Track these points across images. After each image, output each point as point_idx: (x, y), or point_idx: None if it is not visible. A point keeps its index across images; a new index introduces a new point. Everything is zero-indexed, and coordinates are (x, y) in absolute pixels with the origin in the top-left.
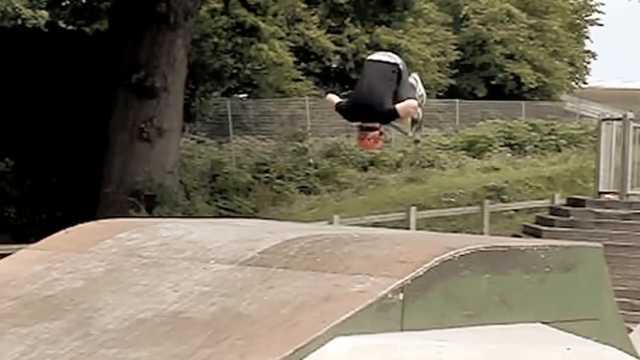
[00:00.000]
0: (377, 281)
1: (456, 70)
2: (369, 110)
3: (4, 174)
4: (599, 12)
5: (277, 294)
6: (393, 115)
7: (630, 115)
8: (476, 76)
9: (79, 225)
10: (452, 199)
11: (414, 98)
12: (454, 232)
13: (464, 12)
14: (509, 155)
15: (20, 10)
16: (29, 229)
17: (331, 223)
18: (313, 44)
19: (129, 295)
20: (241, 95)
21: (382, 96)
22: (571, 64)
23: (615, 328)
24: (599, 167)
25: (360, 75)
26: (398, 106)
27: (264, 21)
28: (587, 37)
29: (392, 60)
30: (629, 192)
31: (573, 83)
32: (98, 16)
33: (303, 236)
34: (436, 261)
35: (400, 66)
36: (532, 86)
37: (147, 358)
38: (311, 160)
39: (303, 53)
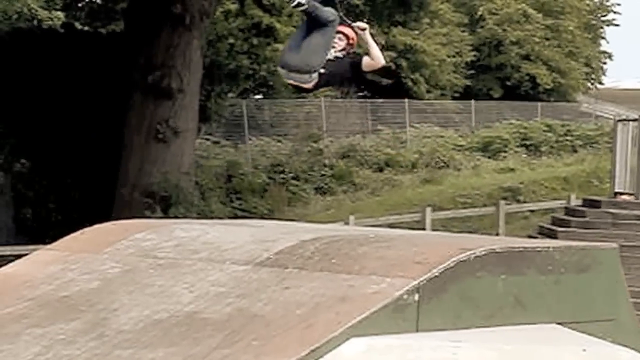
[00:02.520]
0: (393, 282)
1: (472, 71)
2: None
3: (20, 175)
4: (615, 12)
5: (293, 295)
6: None
7: None
8: (492, 77)
9: (95, 226)
10: (468, 200)
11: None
12: (470, 232)
13: (479, 13)
14: (525, 156)
15: (37, 11)
16: (44, 230)
17: (347, 224)
18: None
19: (144, 296)
20: (257, 96)
21: None
22: (587, 65)
23: (630, 329)
24: (614, 167)
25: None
26: None
27: (279, 22)
28: (603, 38)
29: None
30: None
31: (589, 84)
32: (114, 17)
33: (318, 237)
34: (452, 262)
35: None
36: (547, 87)
37: (163, 359)
38: (327, 161)
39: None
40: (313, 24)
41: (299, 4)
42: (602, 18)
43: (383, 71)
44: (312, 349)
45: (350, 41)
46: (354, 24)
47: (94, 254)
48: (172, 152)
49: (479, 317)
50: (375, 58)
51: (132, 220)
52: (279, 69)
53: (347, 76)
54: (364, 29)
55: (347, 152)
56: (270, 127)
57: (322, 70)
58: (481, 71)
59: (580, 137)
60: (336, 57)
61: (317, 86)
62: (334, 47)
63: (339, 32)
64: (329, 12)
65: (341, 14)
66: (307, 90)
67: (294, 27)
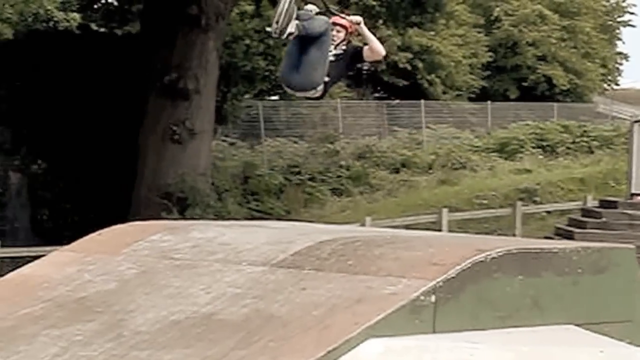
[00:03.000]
0: (409, 283)
1: (488, 72)
2: None
3: (37, 176)
4: (631, 13)
5: (309, 296)
6: None
7: None
8: (508, 78)
9: (112, 227)
10: (484, 201)
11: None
12: (486, 234)
13: (495, 14)
14: (541, 157)
15: (53, 12)
16: (61, 231)
17: (363, 225)
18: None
19: (161, 297)
20: (273, 98)
21: None
22: (603, 66)
23: None
24: (631, 168)
25: None
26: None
27: None
28: (619, 39)
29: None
30: None
31: (605, 85)
32: (129, 19)
33: (335, 238)
34: (468, 263)
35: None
36: (564, 88)
37: None
38: (343, 162)
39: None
40: (306, 40)
41: (290, 34)
42: (618, 19)
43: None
44: (329, 350)
45: (350, 30)
46: (348, 18)
47: (110, 255)
48: (188, 153)
49: (496, 318)
50: (376, 51)
51: (148, 221)
52: (283, 85)
53: (351, 68)
54: (358, 23)
55: (363, 153)
56: (287, 128)
57: (326, 79)
58: (497, 72)
59: (596, 138)
60: (336, 56)
61: (324, 93)
62: (333, 41)
63: (335, 24)
64: (319, 24)
65: (332, 8)
66: (317, 98)
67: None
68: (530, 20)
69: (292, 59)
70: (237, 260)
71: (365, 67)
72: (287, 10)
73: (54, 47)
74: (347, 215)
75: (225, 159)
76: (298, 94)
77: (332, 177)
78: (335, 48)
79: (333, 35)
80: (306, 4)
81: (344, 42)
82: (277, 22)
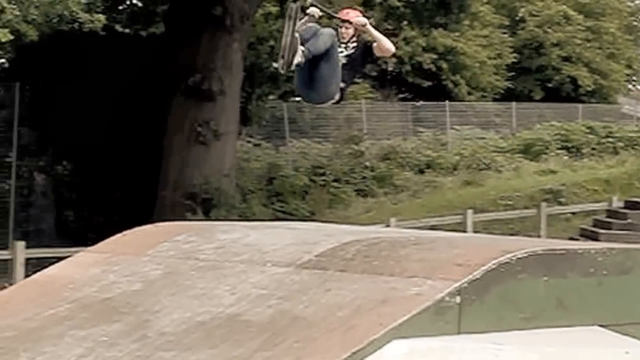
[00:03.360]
0: (434, 284)
1: (512, 73)
2: None
3: (62, 177)
4: None
5: (334, 297)
6: None
7: None
8: (533, 79)
9: (136, 229)
10: (509, 202)
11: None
12: (511, 235)
13: (520, 15)
14: (566, 158)
15: (77, 14)
16: (86, 232)
17: (388, 226)
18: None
19: (186, 298)
20: (297, 99)
21: None
22: (628, 66)
23: None
24: None
25: None
26: None
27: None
28: None
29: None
30: None
31: (630, 85)
32: (154, 20)
33: (360, 239)
34: (493, 264)
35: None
36: (589, 89)
37: None
38: (367, 163)
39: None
40: (315, 57)
41: (299, 64)
42: None
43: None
44: (354, 351)
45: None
46: (353, 20)
47: (135, 256)
48: (213, 154)
49: (521, 319)
50: (385, 50)
51: (173, 222)
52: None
53: (364, 65)
54: (364, 24)
55: (388, 154)
56: (311, 129)
57: (342, 85)
58: (522, 73)
59: (621, 139)
60: (348, 57)
61: (342, 98)
62: (343, 38)
63: (343, 21)
64: (324, 41)
65: (333, 12)
66: (335, 102)
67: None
68: (555, 21)
69: (303, 73)
70: (262, 261)
71: (390, 68)
72: (290, 43)
73: (78, 49)
74: (371, 216)
75: (250, 160)
76: (317, 106)
77: (357, 178)
78: (346, 47)
79: (342, 32)
80: (305, 13)
81: (354, 37)
82: (283, 57)
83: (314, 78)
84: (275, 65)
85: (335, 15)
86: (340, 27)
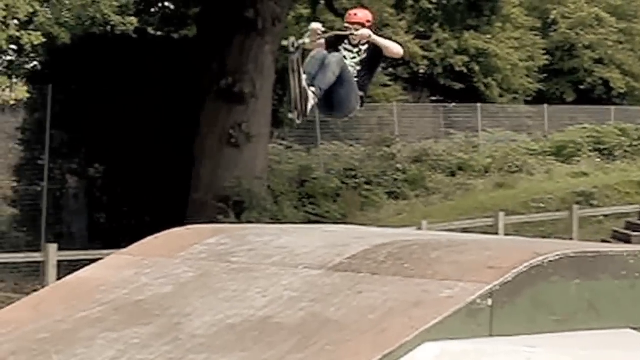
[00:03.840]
0: (466, 287)
1: (544, 75)
2: None
3: (94, 180)
4: None
5: (366, 300)
6: None
7: None
8: (565, 81)
9: (168, 231)
10: (541, 205)
11: None
12: (543, 237)
13: (552, 17)
14: (598, 160)
15: (110, 16)
16: (118, 234)
17: (419, 228)
18: None
19: (218, 300)
20: None
21: None
22: None
23: None
24: None
25: None
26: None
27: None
28: None
29: None
30: None
31: None
32: (186, 22)
33: (391, 242)
34: (525, 267)
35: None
36: (621, 91)
37: None
38: (399, 166)
39: (391, 58)
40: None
41: (313, 106)
42: None
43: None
44: (386, 354)
45: (367, 24)
46: (356, 33)
47: (167, 258)
48: (245, 156)
49: (553, 322)
50: (395, 54)
51: (205, 224)
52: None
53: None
54: (369, 36)
55: (420, 157)
56: (343, 132)
57: (361, 93)
58: (554, 75)
59: None
60: (362, 62)
61: (362, 104)
62: (354, 39)
63: (352, 23)
64: (333, 71)
65: (336, 32)
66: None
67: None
68: (587, 23)
69: (322, 101)
70: (293, 263)
71: (422, 71)
72: (300, 95)
73: (110, 51)
74: (403, 218)
75: (282, 162)
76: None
77: (389, 180)
78: (358, 52)
79: (352, 36)
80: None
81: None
82: (296, 109)
83: (332, 102)
84: (290, 116)
85: (342, 32)
86: (349, 29)
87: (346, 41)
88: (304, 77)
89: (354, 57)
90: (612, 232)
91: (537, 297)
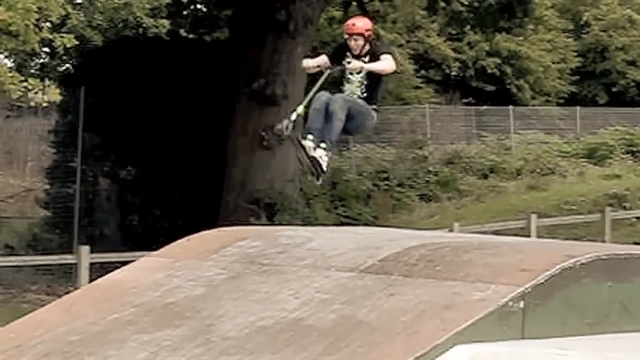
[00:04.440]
0: (498, 289)
1: (577, 77)
2: None
3: (127, 182)
4: None
5: (398, 302)
6: None
7: None
8: (597, 83)
9: (200, 233)
10: (573, 207)
11: None
12: (575, 240)
13: (584, 19)
14: (631, 162)
15: (142, 19)
16: (150, 237)
17: (451, 231)
18: (433, 51)
19: (249, 302)
20: None
21: None
22: None
23: None
24: None
25: None
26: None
27: (383, 28)
28: None
29: None
30: None
31: None
32: (218, 25)
33: (423, 244)
34: (557, 269)
35: None
36: None
37: None
38: (431, 168)
39: (423, 60)
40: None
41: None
42: None
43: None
44: (417, 356)
45: (366, 33)
46: (348, 67)
47: (199, 260)
48: (277, 159)
49: (585, 325)
50: (390, 73)
51: (237, 227)
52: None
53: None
54: (361, 69)
55: (452, 159)
56: (375, 134)
57: (374, 107)
58: (586, 77)
59: None
60: (367, 75)
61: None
62: (354, 50)
63: (351, 34)
64: (339, 117)
65: (327, 67)
66: None
67: (399, 33)
68: (620, 25)
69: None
70: (325, 265)
71: (454, 73)
72: (312, 163)
73: (142, 54)
74: (435, 221)
75: None
76: None
77: (420, 182)
78: (362, 63)
79: (352, 46)
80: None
81: (366, 46)
82: (312, 174)
83: (350, 130)
84: (310, 178)
85: (332, 69)
86: (350, 41)
87: (348, 53)
88: (309, 145)
89: (359, 71)
90: None
91: (569, 300)
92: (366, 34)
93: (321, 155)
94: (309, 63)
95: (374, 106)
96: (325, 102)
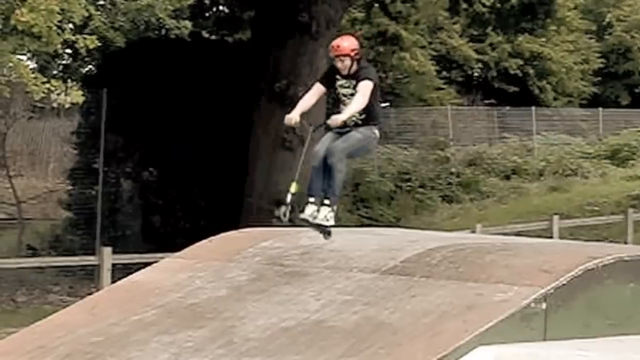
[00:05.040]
0: (520, 290)
1: (599, 78)
2: None
3: (149, 183)
4: None
5: (419, 303)
6: None
7: None
8: (620, 84)
9: (222, 234)
10: (596, 208)
11: None
12: (597, 241)
13: (607, 20)
14: None
15: (164, 20)
16: (173, 238)
17: (473, 232)
18: (455, 52)
19: (271, 304)
20: (383, 104)
21: None
22: None
23: None
24: None
25: None
26: None
27: (405, 30)
28: None
29: None
30: None
31: None
32: (240, 26)
33: (445, 245)
34: (579, 270)
35: None
36: None
37: None
38: (453, 169)
39: (445, 62)
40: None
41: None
42: None
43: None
44: (439, 358)
45: (352, 53)
46: (329, 122)
47: (221, 262)
48: (299, 160)
49: (607, 326)
50: (362, 107)
51: (259, 228)
52: None
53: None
54: (342, 122)
55: (474, 160)
56: (397, 135)
57: (374, 123)
58: (609, 78)
59: None
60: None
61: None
62: (341, 70)
63: (337, 57)
64: (339, 168)
65: (307, 124)
66: None
67: (421, 35)
68: None
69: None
70: (347, 267)
71: (476, 74)
72: (319, 228)
73: (165, 55)
74: (457, 222)
75: None
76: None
77: (443, 183)
78: (350, 84)
79: (339, 67)
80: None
81: (354, 65)
82: (322, 232)
83: (355, 156)
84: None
85: (316, 125)
86: (336, 62)
87: (338, 76)
88: (311, 215)
89: (353, 92)
90: None
91: (591, 301)
92: (352, 54)
93: (325, 215)
94: (295, 119)
95: (374, 125)
96: (322, 158)
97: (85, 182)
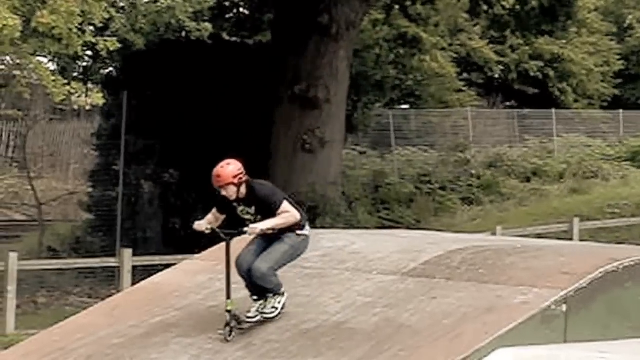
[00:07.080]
0: (540, 292)
1: (620, 80)
2: None
3: (169, 185)
4: None
5: (440, 305)
6: None
7: None
8: None
9: (242, 237)
10: (616, 210)
11: None
12: (618, 243)
13: (628, 22)
14: None
15: (184, 22)
16: (193, 240)
17: (494, 234)
18: (475, 54)
19: (291, 305)
20: (403, 106)
21: None
22: None
23: None
24: None
25: None
26: None
27: (425, 32)
28: None
29: None
30: None
31: None
32: (260, 28)
33: (465, 247)
34: (600, 273)
35: None
36: None
37: None
38: (473, 171)
39: (465, 64)
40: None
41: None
42: None
43: None
44: None
45: (235, 180)
46: (249, 232)
47: None
48: (319, 162)
49: (628, 328)
50: (294, 224)
51: None
52: None
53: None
54: (261, 231)
55: (494, 162)
56: (417, 137)
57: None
58: (630, 80)
59: None
60: (265, 216)
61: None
62: (231, 197)
63: (221, 187)
64: (269, 273)
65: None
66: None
67: (441, 37)
68: None
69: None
70: (367, 269)
71: (497, 76)
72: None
73: (185, 57)
74: (477, 224)
75: (356, 167)
76: None
77: (463, 186)
78: (248, 209)
79: (227, 196)
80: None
81: (240, 191)
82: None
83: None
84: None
85: (236, 235)
86: (222, 191)
87: (234, 203)
88: (257, 313)
89: (256, 217)
90: None
91: (611, 303)
92: (235, 180)
93: (273, 304)
94: (201, 227)
95: (299, 228)
96: (247, 270)
97: (106, 183)
